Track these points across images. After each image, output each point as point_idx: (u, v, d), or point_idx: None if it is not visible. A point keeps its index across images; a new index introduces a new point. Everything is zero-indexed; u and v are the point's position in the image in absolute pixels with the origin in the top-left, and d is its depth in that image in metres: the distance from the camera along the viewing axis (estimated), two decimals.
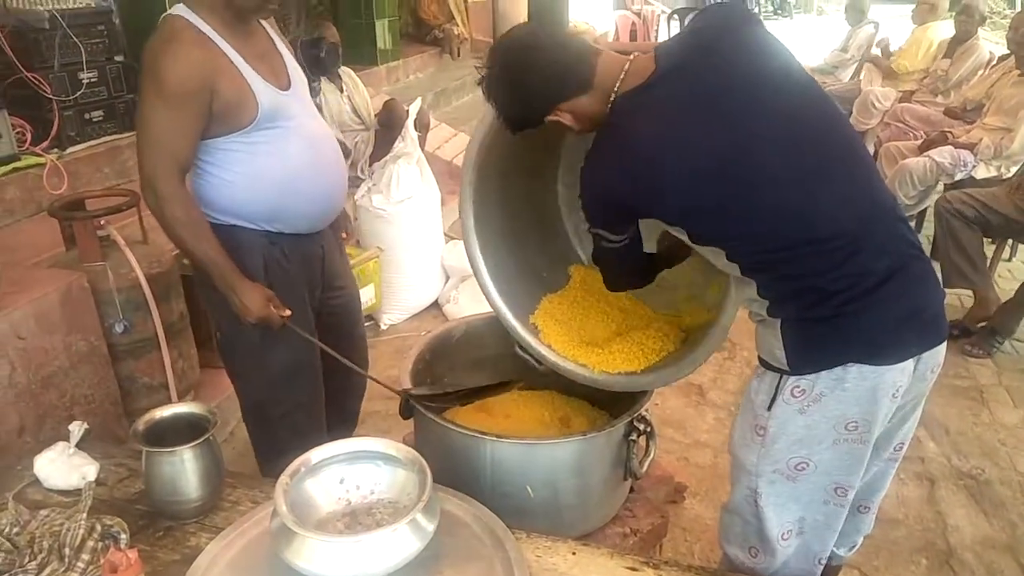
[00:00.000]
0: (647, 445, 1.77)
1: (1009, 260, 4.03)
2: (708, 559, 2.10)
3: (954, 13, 5.41)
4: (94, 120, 3.39)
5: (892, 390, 1.36)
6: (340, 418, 2.15)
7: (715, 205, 1.33)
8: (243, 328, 1.75)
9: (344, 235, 2.10)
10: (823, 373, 1.34)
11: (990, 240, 3.64)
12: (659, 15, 9.92)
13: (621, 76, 1.39)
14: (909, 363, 1.35)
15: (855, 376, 1.33)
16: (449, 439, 1.66)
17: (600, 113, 1.42)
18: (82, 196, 2.42)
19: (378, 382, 1.80)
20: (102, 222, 2.27)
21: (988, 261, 3.61)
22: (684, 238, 1.42)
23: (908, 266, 1.33)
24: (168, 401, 2.28)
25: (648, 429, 1.75)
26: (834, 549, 1.64)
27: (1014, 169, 4.09)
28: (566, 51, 1.40)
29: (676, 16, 8.56)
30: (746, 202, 1.32)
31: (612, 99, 1.39)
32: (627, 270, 1.60)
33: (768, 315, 1.39)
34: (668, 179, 1.33)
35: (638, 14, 9.37)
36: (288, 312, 1.75)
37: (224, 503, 1.42)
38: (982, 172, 4.09)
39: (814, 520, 1.50)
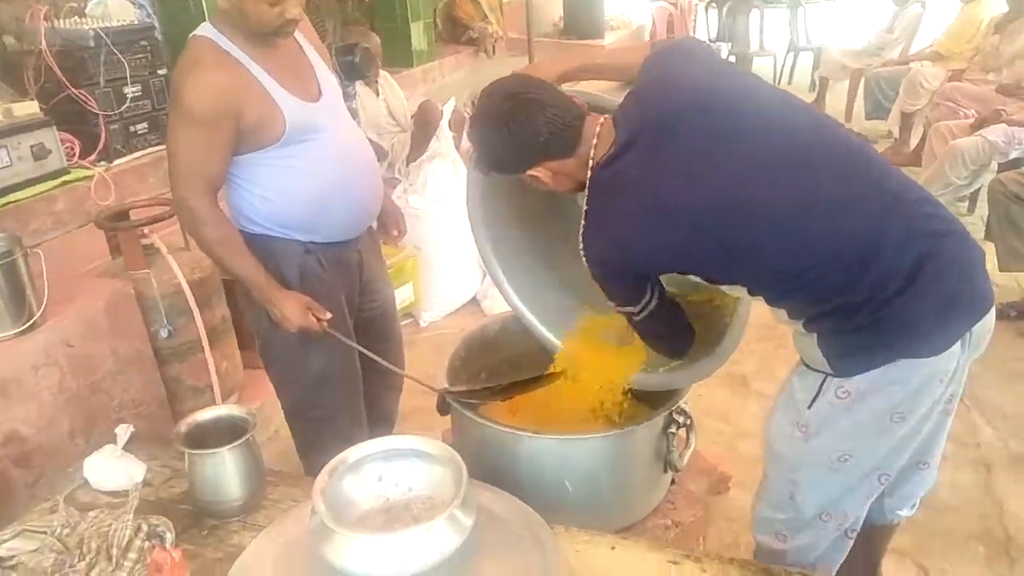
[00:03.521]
0: (687, 437, 1.75)
1: None
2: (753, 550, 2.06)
3: None
4: (139, 133, 3.49)
5: (940, 376, 1.32)
6: (379, 417, 2.17)
7: (719, 251, 1.32)
8: (282, 334, 1.77)
9: (396, 232, 2.12)
10: (869, 373, 1.31)
11: None
12: (696, 4, 9.77)
13: (594, 141, 1.39)
14: (956, 346, 1.31)
15: (903, 370, 1.29)
16: (486, 435, 1.66)
17: (579, 178, 1.43)
18: (127, 207, 2.49)
19: (415, 380, 1.81)
20: (146, 231, 2.33)
21: None
22: (700, 280, 1.42)
23: (940, 249, 1.28)
24: (213, 402, 2.33)
25: (688, 422, 1.73)
26: (896, 510, 1.63)
27: None
28: (566, 111, 1.40)
29: (715, 4, 8.41)
30: (748, 240, 1.29)
31: (590, 166, 1.40)
32: (675, 331, 1.59)
33: (805, 330, 1.36)
34: (664, 240, 1.32)
35: (675, 4, 9.23)
36: (329, 315, 1.77)
37: (266, 502, 1.45)
38: None
39: (852, 502, 1.47)
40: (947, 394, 1.41)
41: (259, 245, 1.76)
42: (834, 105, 6.23)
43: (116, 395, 2.14)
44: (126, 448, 1.52)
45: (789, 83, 7.41)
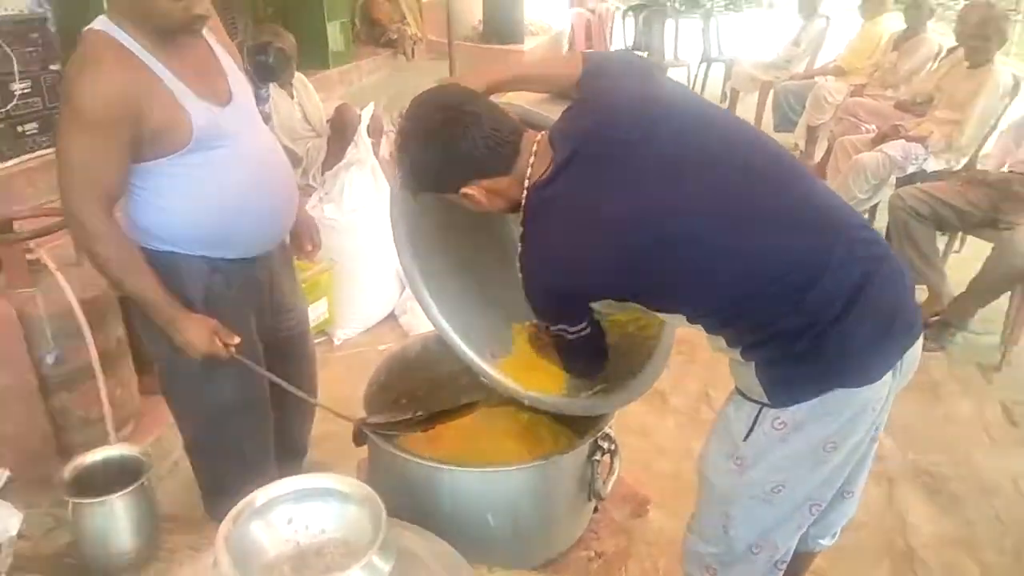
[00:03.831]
0: (611, 463, 1.72)
1: (959, 252, 4.08)
2: (674, 574, 2.06)
3: (903, 6, 5.47)
4: (27, 133, 3.25)
5: (874, 404, 1.33)
6: (289, 447, 2.07)
7: (662, 272, 1.28)
8: (184, 360, 1.65)
9: (310, 247, 2.01)
10: (806, 403, 1.30)
11: (941, 233, 3.68)
12: (614, 12, 9.92)
13: (531, 159, 1.34)
14: (888, 374, 1.32)
15: (838, 399, 1.29)
16: (405, 469, 1.59)
17: (515, 197, 1.37)
18: (10, 217, 2.28)
19: (330, 411, 1.72)
20: (32, 245, 2.14)
21: (940, 254, 3.66)
22: (644, 310, 1.39)
23: (877, 272, 1.28)
24: (106, 434, 2.16)
25: (613, 447, 1.70)
26: (818, 539, 1.65)
27: (963, 161, 4.15)
28: (504, 125, 1.33)
29: (631, 12, 8.56)
30: (692, 260, 1.26)
31: (526, 186, 1.34)
32: (592, 353, 1.55)
33: (743, 359, 1.34)
34: (602, 265, 1.28)
35: (593, 11, 9.34)
36: (237, 340, 1.66)
37: (161, 552, 1.34)
38: (933, 165, 4.14)
39: (783, 533, 1.47)
40: (877, 422, 1.42)
41: (160, 263, 1.63)
42: (744, 117, 6.39)
43: None
44: (0, 495, 1.38)
45: (702, 93, 7.60)
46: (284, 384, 1.73)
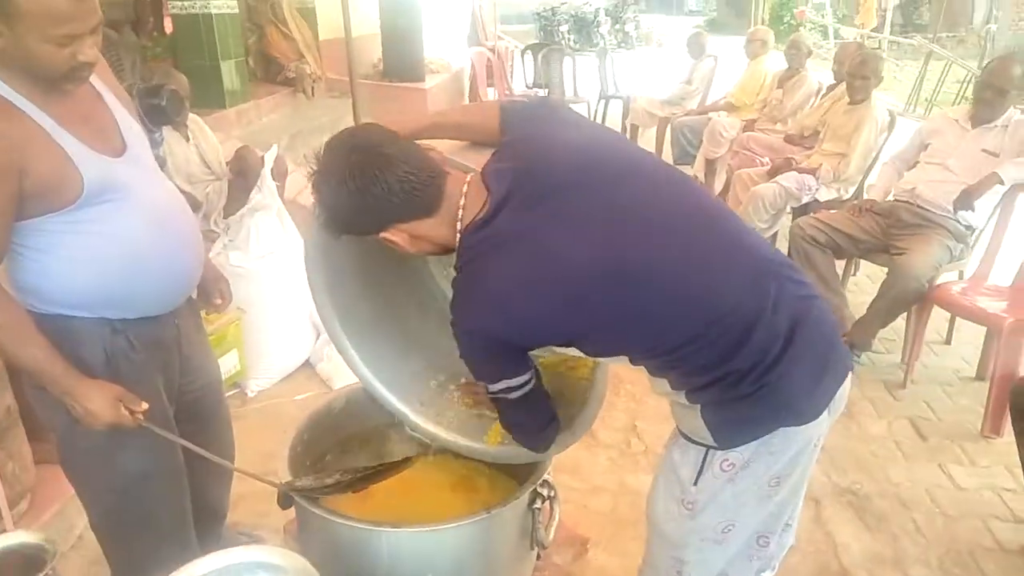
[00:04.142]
0: (552, 509, 1.68)
1: (855, 275, 4.31)
2: None
3: (783, 47, 5.82)
4: None
5: (815, 441, 1.35)
6: (207, 512, 1.92)
7: (598, 319, 1.25)
8: (84, 431, 1.50)
9: (219, 300, 1.88)
10: (751, 443, 1.30)
11: (839, 259, 3.87)
12: (513, 51, 10.12)
13: (462, 202, 1.29)
14: (825, 411, 1.34)
15: (781, 439, 1.30)
16: (338, 533, 1.50)
17: (445, 239, 1.32)
18: None
19: (250, 475, 1.60)
20: None
21: (840, 279, 3.84)
22: (579, 354, 1.35)
23: (808, 312, 1.30)
24: None
25: (552, 494, 1.67)
26: (762, 573, 1.61)
27: (852, 190, 4.41)
28: (422, 167, 1.28)
29: (530, 51, 8.74)
30: (629, 307, 1.24)
31: (459, 229, 1.30)
32: (543, 412, 1.48)
33: (688, 402, 1.33)
34: (547, 304, 1.24)
35: (492, 50, 9.50)
36: (144, 406, 1.52)
37: None
38: (824, 195, 4.38)
39: (737, 568, 1.47)
40: (814, 457, 1.44)
41: (53, 327, 1.48)
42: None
43: None
44: None
45: None
46: (199, 450, 1.61)
